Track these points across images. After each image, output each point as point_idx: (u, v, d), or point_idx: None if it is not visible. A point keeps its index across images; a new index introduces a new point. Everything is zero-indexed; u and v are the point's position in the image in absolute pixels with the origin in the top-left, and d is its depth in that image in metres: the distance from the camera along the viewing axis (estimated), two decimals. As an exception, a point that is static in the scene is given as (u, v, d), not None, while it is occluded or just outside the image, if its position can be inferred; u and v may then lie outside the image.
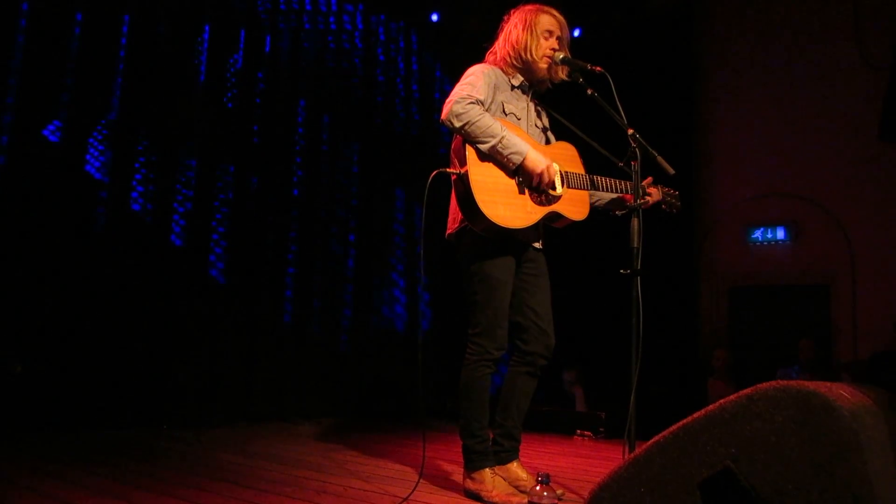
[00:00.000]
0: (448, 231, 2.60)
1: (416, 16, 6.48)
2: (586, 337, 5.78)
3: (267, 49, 5.31)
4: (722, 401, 1.44)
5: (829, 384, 1.47)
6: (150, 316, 4.31)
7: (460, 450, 2.51)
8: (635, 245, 2.27)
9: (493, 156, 2.39)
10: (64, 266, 3.98)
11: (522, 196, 2.43)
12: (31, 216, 3.86)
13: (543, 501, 2.02)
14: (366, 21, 6.08)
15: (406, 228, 6.18)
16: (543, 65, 2.58)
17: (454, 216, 2.56)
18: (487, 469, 2.44)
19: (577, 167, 2.63)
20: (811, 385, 1.36)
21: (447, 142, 2.72)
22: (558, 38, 2.61)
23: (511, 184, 2.42)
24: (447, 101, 2.41)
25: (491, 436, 2.56)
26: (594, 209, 2.72)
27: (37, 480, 2.52)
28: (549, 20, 2.60)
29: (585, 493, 1.86)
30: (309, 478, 2.76)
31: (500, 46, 2.65)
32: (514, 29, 2.61)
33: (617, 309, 3.39)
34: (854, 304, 5.63)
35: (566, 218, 2.54)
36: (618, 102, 2.37)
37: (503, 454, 2.56)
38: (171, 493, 2.36)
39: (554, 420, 5.02)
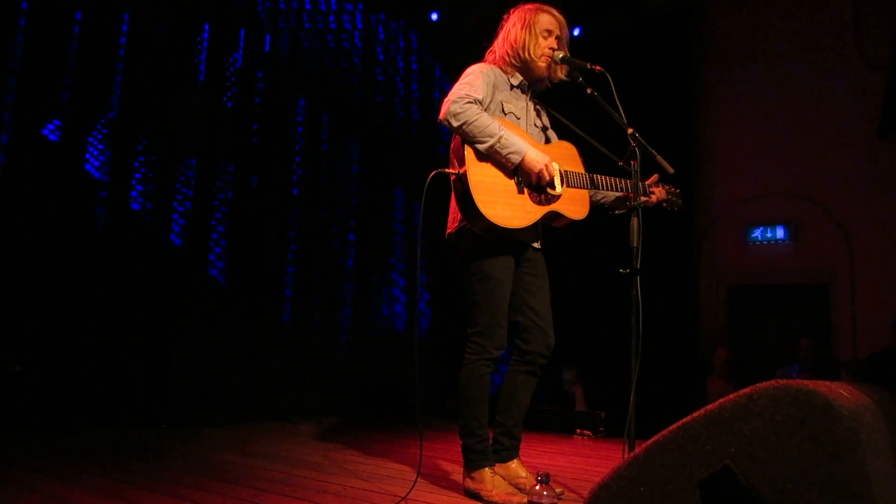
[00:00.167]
0: (448, 231, 2.60)
1: (416, 15, 6.48)
2: (586, 336, 5.78)
3: (266, 48, 5.31)
4: (722, 400, 1.44)
5: (828, 383, 1.47)
6: (149, 315, 4.31)
7: (460, 449, 2.51)
8: (635, 244, 2.27)
9: (491, 155, 2.39)
10: (63, 265, 3.97)
11: (522, 196, 2.43)
12: (31, 215, 3.86)
13: (543, 501, 2.03)
14: (365, 20, 6.08)
15: (405, 228, 6.18)
16: (542, 64, 2.58)
17: (454, 216, 2.56)
18: (487, 468, 2.44)
19: (576, 166, 2.63)
20: (811, 384, 1.36)
21: (447, 141, 2.72)
22: (557, 38, 2.61)
23: (510, 184, 2.42)
24: (445, 100, 2.41)
25: (491, 435, 2.57)
26: (596, 207, 2.72)
27: (36, 480, 2.52)
28: (548, 19, 2.60)
29: (585, 493, 1.86)
30: (308, 477, 2.76)
31: (499, 45, 2.65)
32: (513, 28, 2.61)
33: (616, 308, 3.39)
34: (854, 303, 5.63)
35: (566, 217, 2.54)
36: (617, 102, 2.37)
37: (504, 452, 2.57)
38: (171, 492, 2.37)
39: (554, 419, 5.02)
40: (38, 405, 3.71)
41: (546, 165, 2.40)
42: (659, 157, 2.37)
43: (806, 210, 5.89)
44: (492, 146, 2.36)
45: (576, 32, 6.30)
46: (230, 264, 4.86)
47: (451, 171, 2.45)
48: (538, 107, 2.73)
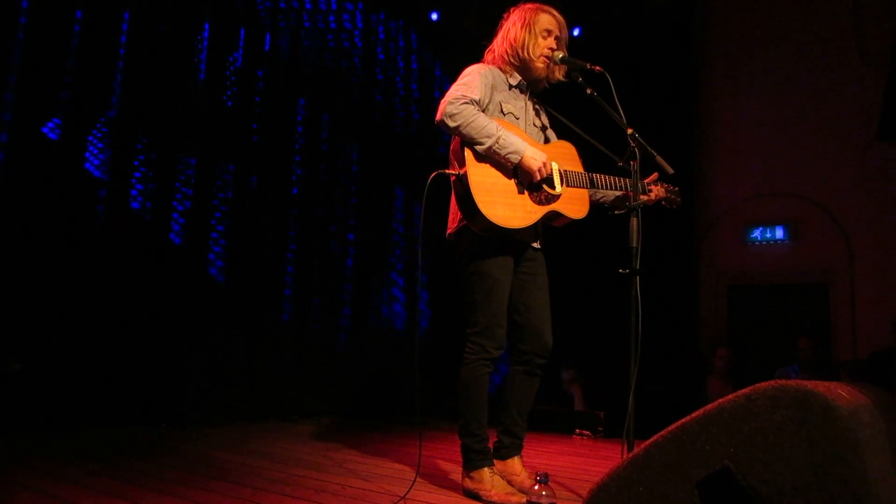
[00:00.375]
0: (448, 231, 2.61)
1: (416, 14, 6.48)
2: (585, 336, 5.78)
3: (266, 47, 5.30)
4: (720, 400, 1.44)
5: (827, 383, 1.47)
6: (148, 314, 4.30)
7: (459, 449, 2.51)
8: (634, 244, 2.27)
9: (490, 156, 2.39)
10: (63, 264, 3.97)
11: (522, 196, 2.43)
12: (30, 214, 3.86)
13: (542, 501, 2.02)
14: (365, 20, 6.08)
15: (405, 227, 6.18)
16: (541, 64, 2.58)
17: (454, 216, 2.56)
18: (486, 468, 2.44)
19: (576, 166, 2.63)
20: (810, 384, 1.36)
21: (447, 140, 2.71)
22: (557, 38, 2.61)
23: (510, 184, 2.42)
24: (442, 101, 2.41)
25: (493, 434, 2.57)
26: (596, 207, 2.73)
27: (36, 479, 2.51)
28: (547, 19, 2.60)
29: (584, 493, 1.86)
30: (308, 476, 2.76)
31: (499, 44, 2.65)
32: (512, 27, 2.61)
33: (616, 308, 3.39)
34: (853, 303, 5.64)
35: (566, 217, 2.54)
36: (617, 102, 2.37)
37: (503, 450, 2.59)
38: (171, 491, 2.37)
39: (553, 419, 5.02)
40: (37, 404, 3.70)
41: (544, 162, 2.40)
42: (659, 158, 2.37)
43: (805, 210, 5.90)
44: (490, 147, 2.36)
45: (576, 32, 6.31)
46: (230, 264, 4.86)
47: (451, 172, 2.45)
48: (537, 106, 2.73)
